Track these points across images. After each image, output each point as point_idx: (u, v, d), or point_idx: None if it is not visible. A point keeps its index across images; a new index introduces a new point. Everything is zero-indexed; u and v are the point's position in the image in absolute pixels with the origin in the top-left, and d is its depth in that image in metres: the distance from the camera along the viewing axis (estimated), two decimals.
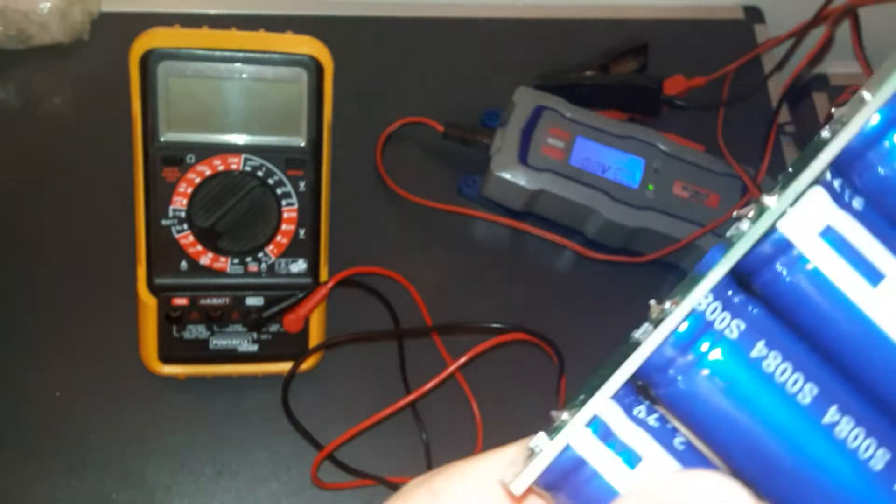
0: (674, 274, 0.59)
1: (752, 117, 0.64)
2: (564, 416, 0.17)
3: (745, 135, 0.61)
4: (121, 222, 0.50)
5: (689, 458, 0.17)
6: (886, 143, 0.16)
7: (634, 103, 0.62)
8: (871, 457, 0.16)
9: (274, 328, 0.50)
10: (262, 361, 0.51)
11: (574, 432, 0.16)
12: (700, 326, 0.17)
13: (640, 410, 0.17)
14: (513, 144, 0.55)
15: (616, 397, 0.17)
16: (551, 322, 0.56)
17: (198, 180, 0.47)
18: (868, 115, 0.16)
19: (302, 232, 0.49)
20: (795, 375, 0.16)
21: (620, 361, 0.17)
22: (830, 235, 0.16)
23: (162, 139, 0.47)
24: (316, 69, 0.47)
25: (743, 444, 0.16)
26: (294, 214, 0.49)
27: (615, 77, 0.62)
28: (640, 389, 0.18)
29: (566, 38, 0.66)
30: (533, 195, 0.56)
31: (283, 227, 0.49)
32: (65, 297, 0.53)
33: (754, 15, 0.70)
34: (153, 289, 0.48)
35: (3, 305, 0.53)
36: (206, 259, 0.48)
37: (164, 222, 0.47)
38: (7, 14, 0.57)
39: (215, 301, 0.49)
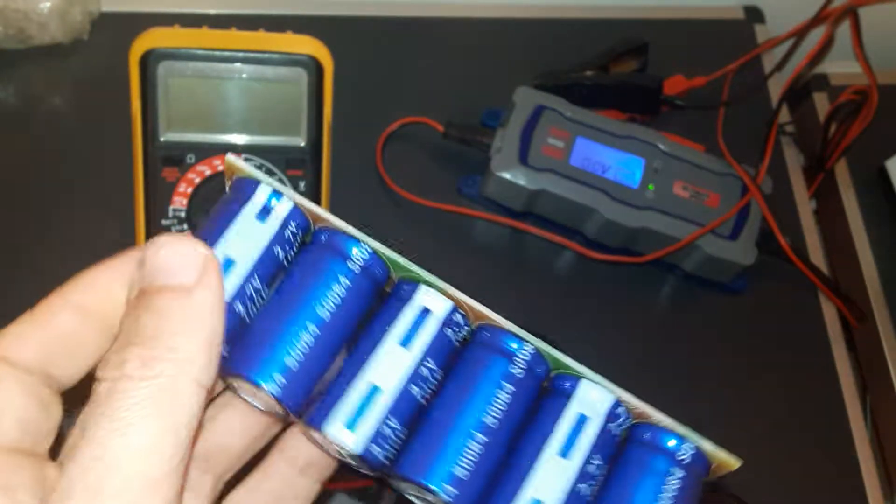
0: (674, 274, 0.59)
1: (752, 117, 0.64)
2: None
3: (745, 135, 0.61)
4: (121, 222, 0.50)
5: (272, 260, 0.25)
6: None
7: (634, 103, 0.62)
8: None
9: None
10: None
11: (268, 182, 0.25)
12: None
13: (293, 225, 0.25)
14: (513, 144, 0.55)
15: (297, 209, 0.25)
16: (551, 322, 0.56)
17: (198, 180, 0.47)
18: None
19: None
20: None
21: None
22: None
23: (162, 139, 0.47)
24: (316, 69, 0.47)
25: None
26: None
27: (615, 77, 0.62)
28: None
29: (566, 38, 0.66)
30: (533, 195, 0.56)
31: None
32: None
33: (754, 15, 0.70)
34: None
35: (3, 305, 0.53)
36: None
37: (164, 222, 0.47)
38: (7, 14, 0.57)
39: None
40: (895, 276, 0.62)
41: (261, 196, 0.25)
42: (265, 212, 0.25)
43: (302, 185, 0.48)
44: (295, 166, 0.48)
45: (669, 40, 0.66)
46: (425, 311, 0.25)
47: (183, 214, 0.47)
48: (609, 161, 0.56)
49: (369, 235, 0.25)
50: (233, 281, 0.24)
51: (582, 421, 0.25)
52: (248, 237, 0.24)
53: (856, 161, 0.65)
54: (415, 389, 0.25)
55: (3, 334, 0.24)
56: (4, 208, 0.55)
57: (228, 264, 0.24)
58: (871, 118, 0.59)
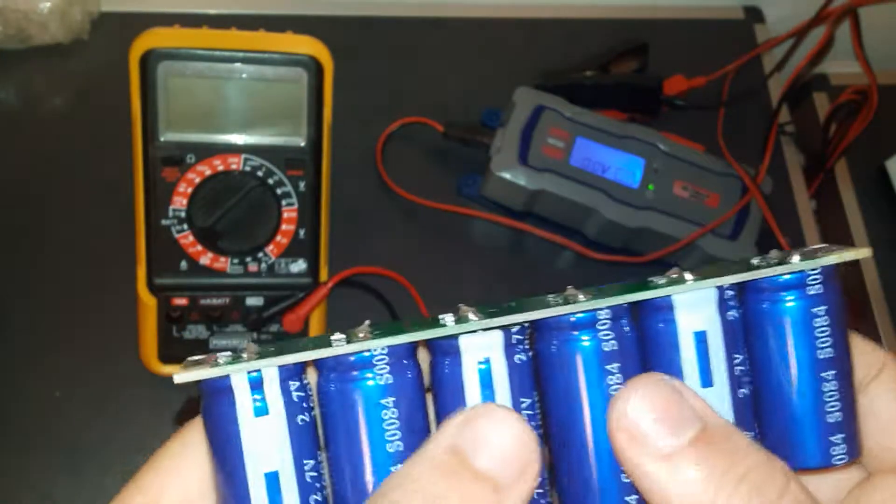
0: None
1: (752, 117, 0.64)
2: (247, 354, 0.21)
3: (745, 135, 0.61)
4: (121, 222, 0.50)
5: (303, 432, 0.21)
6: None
7: (634, 103, 0.62)
8: None
9: (274, 328, 0.50)
10: None
11: (237, 370, 0.21)
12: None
13: (295, 385, 0.21)
14: (513, 144, 0.55)
15: (284, 368, 0.21)
16: None
17: (198, 180, 0.47)
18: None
19: (302, 232, 0.49)
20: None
21: (311, 345, 0.21)
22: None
23: (162, 139, 0.47)
24: (316, 69, 0.47)
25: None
26: (294, 214, 0.49)
27: (615, 77, 0.62)
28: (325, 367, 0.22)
29: (566, 38, 0.66)
30: (533, 195, 0.56)
31: (283, 227, 0.49)
32: (65, 298, 0.53)
33: (754, 15, 0.70)
34: (153, 289, 0.48)
35: (3, 305, 0.53)
36: (206, 259, 0.48)
37: (164, 222, 0.47)
38: (7, 14, 0.57)
39: (215, 301, 0.49)
40: (895, 276, 0.62)
41: (241, 389, 0.21)
42: (260, 402, 0.21)
43: (302, 185, 0.48)
44: (295, 166, 0.48)
45: (669, 40, 0.66)
46: (484, 364, 0.21)
47: (183, 214, 0.47)
48: (609, 161, 0.56)
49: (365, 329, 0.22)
50: (290, 493, 0.21)
51: (701, 339, 0.22)
52: (266, 440, 0.21)
53: (856, 161, 0.65)
54: None
55: None
56: (4, 208, 0.55)
57: (273, 481, 0.21)
58: (871, 118, 0.59)
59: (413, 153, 0.60)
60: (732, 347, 0.22)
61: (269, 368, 0.21)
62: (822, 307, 0.22)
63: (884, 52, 0.63)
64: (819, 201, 0.67)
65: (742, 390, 0.22)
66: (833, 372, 0.22)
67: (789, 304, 0.22)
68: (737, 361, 0.22)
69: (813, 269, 0.22)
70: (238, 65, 0.46)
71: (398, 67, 0.63)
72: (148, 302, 0.48)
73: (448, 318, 0.22)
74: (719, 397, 0.22)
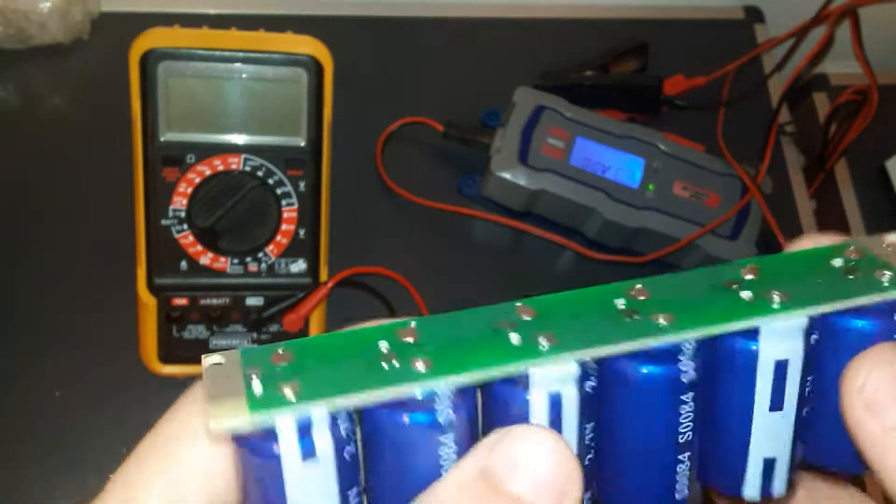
0: None
1: (752, 117, 0.64)
2: (289, 389, 0.18)
3: (745, 135, 0.61)
4: (121, 222, 0.50)
5: (349, 466, 0.18)
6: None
7: (634, 103, 0.62)
8: None
9: (274, 328, 0.50)
10: None
11: (284, 417, 0.17)
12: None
13: (344, 423, 0.18)
14: (513, 144, 0.55)
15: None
16: None
17: (198, 180, 0.47)
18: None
19: (302, 232, 0.49)
20: None
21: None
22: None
23: (162, 139, 0.47)
24: (316, 69, 0.47)
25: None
26: (294, 214, 0.49)
27: (615, 77, 0.62)
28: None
29: (566, 38, 0.66)
30: (533, 195, 0.56)
31: (283, 227, 0.49)
32: (65, 297, 0.53)
33: (754, 15, 0.70)
34: (153, 289, 0.48)
35: (3, 305, 0.53)
36: (206, 259, 0.48)
37: (164, 222, 0.47)
38: (7, 14, 0.57)
39: (215, 301, 0.49)
40: None
41: (287, 435, 0.17)
42: (307, 446, 0.18)
43: (302, 185, 0.48)
44: (295, 166, 0.48)
45: (669, 40, 0.66)
46: (554, 398, 0.19)
47: (183, 214, 0.47)
48: (609, 161, 0.56)
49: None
50: None
51: (781, 368, 0.20)
52: (312, 485, 0.18)
53: (856, 161, 0.65)
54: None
55: None
56: (4, 208, 0.55)
57: None
58: (871, 118, 0.59)
59: (413, 153, 0.60)
60: (807, 371, 0.20)
61: (318, 406, 0.17)
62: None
63: (884, 52, 0.63)
64: (819, 201, 0.67)
65: (806, 408, 0.21)
66: None
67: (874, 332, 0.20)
68: (808, 381, 0.21)
69: None
70: (238, 65, 0.46)
71: (398, 67, 0.63)
72: (148, 302, 0.48)
73: (514, 337, 0.19)
74: (786, 419, 0.20)
